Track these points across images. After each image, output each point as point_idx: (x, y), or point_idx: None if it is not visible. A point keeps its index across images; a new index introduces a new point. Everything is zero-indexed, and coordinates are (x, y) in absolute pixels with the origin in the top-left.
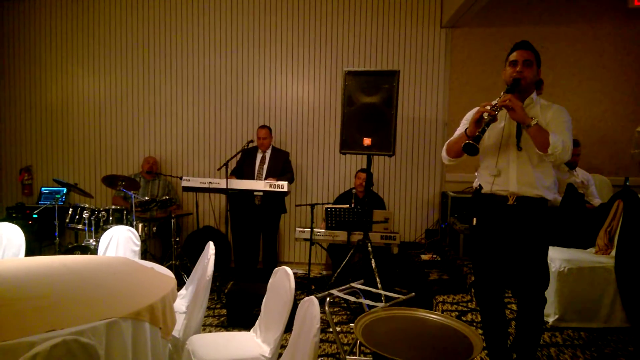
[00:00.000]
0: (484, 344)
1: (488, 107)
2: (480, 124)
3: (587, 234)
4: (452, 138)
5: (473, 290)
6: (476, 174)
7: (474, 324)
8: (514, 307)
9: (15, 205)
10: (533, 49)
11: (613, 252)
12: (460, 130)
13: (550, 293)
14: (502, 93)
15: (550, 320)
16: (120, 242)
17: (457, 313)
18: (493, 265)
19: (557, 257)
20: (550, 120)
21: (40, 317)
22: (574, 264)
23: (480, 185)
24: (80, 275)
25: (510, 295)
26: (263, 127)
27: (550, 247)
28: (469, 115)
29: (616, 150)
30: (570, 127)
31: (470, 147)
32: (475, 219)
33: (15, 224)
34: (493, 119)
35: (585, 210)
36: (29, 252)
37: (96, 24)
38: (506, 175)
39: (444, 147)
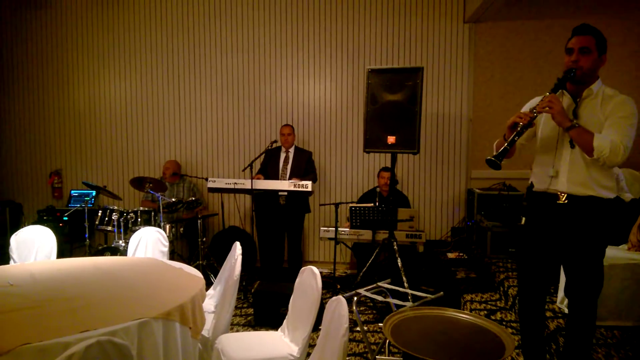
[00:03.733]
0: (517, 344)
1: (524, 118)
2: (515, 130)
3: (619, 230)
4: (499, 139)
5: (511, 293)
6: (532, 168)
7: (504, 323)
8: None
9: (46, 208)
10: (594, 33)
11: None
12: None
13: None
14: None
15: None
16: (149, 243)
17: (485, 312)
18: (539, 267)
19: None
20: (609, 114)
21: (74, 318)
22: (606, 261)
23: (531, 183)
24: (111, 276)
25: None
26: (286, 125)
27: None
28: (533, 101)
29: None
30: (631, 123)
31: (491, 162)
32: (524, 218)
33: (47, 226)
34: (529, 124)
35: (617, 205)
36: (60, 254)
37: (121, 29)
38: (560, 174)
39: (494, 147)
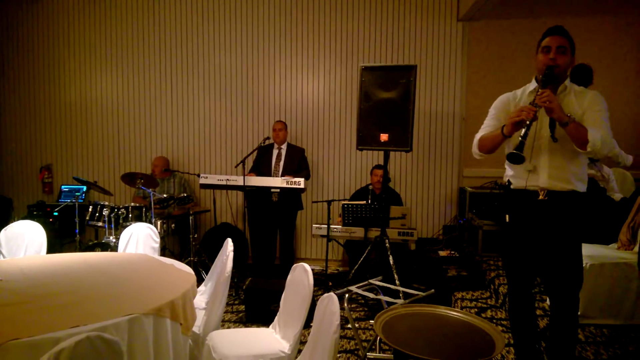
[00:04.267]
0: (507, 342)
1: (528, 112)
2: (521, 126)
3: (609, 230)
4: (484, 133)
5: (502, 291)
6: (506, 166)
7: (494, 320)
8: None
9: (36, 203)
10: (567, 35)
11: (636, 248)
12: (489, 122)
13: None
14: (535, 82)
15: None
16: (140, 239)
17: (476, 310)
18: (525, 264)
19: None
20: (587, 109)
21: (64, 313)
22: (596, 260)
23: (509, 181)
24: (101, 272)
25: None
26: (278, 121)
27: None
28: (499, 103)
29: (638, 143)
30: (607, 115)
31: (515, 156)
32: (507, 216)
33: (37, 221)
34: (534, 118)
35: (607, 204)
36: (50, 249)
37: (113, 24)
38: (538, 169)
39: (476, 142)
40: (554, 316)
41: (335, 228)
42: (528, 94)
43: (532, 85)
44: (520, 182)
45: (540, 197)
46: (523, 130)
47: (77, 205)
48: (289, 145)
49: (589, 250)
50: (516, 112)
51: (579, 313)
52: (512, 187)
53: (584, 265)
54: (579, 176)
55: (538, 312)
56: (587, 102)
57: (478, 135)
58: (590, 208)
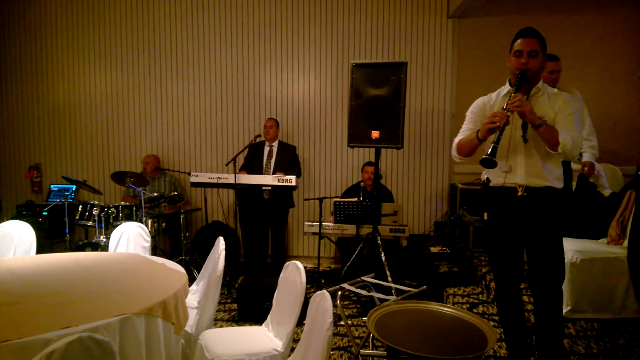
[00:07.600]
0: (499, 337)
1: (500, 118)
2: (494, 131)
3: (598, 225)
4: (461, 138)
5: (493, 286)
6: None
7: (486, 316)
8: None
9: (25, 203)
10: (538, 36)
11: (625, 243)
12: (467, 126)
13: (563, 284)
14: (509, 85)
15: (563, 311)
16: (130, 238)
17: (468, 305)
18: (509, 260)
19: (569, 248)
20: (559, 111)
21: (55, 314)
22: (586, 255)
23: (488, 178)
24: (92, 272)
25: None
26: (270, 118)
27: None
28: (475, 107)
29: (627, 139)
30: (579, 118)
31: (488, 161)
32: (486, 213)
33: (26, 221)
34: (506, 123)
35: (597, 200)
36: (40, 249)
37: (102, 21)
38: (514, 168)
39: (454, 146)
40: (538, 311)
41: (327, 225)
42: (502, 97)
43: (506, 88)
44: (499, 180)
45: (519, 193)
46: (496, 136)
47: (66, 205)
48: (280, 143)
49: (578, 245)
50: (489, 118)
51: (569, 308)
52: (490, 184)
53: (574, 260)
54: (555, 174)
55: (529, 307)
56: (559, 105)
57: (456, 139)
58: (568, 203)
